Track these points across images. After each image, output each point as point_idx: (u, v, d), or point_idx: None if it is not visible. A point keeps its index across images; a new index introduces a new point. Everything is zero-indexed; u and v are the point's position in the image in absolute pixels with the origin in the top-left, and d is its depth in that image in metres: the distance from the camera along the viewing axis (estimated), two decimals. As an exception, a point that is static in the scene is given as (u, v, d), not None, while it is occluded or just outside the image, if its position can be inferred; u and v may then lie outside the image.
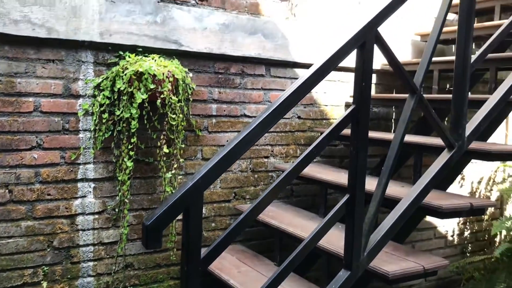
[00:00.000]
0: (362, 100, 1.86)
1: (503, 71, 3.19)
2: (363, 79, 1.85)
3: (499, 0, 3.47)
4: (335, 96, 3.41)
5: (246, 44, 2.98)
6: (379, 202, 1.96)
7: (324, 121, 3.38)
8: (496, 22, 3.24)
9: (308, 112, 3.30)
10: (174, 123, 2.57)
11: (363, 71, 1.85)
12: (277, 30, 3.09)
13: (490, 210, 4.39)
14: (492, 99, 2.31)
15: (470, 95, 2.47)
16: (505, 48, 3.64)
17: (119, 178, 2.55)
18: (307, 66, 3.23)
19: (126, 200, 2.56)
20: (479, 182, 4.20)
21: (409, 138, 2.62)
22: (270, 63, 3.12)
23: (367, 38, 1.84)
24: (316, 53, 3.22)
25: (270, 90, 3.15)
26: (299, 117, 3.26)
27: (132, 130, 2.49)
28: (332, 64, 1.82)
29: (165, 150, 2.59)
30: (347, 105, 3.44)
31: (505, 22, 2.50)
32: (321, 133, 3.22)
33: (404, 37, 3.66)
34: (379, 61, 3.49)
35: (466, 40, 2.15)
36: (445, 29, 2.38)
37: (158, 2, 2.69)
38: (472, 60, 2.24)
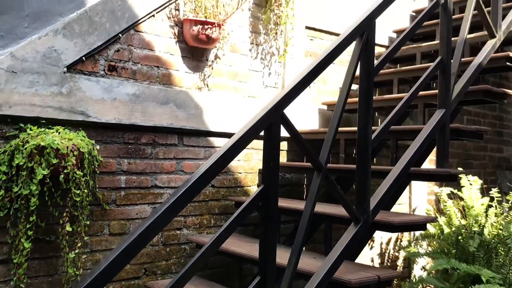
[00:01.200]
0: (270, 181, 1.88)
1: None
2: (271, 160, 1.87)
3: (396, 74, 3.76)
4: (249, 164, 3.43)
5: (158, 114, 2.95)
6: (290, 282, 1.95)
7: (238, 188, 3.38)
8: (394, 95, 3.49)
9: (222, 181, 3.29)
10: (78, 199, 2.43)
11: (270, 153, 1.88)
12: (190, 100, 3.10)
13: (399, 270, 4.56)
14: (394, 172, 2.43)
15: (373, 166, 2.60)
16: (405, 117, 3.93)
17: (15, 261, 2.34)
18: (221, 134, 3.26)
19: (22, 285, 2.34)
20: (388, 243, 4.36)
21: (319, 208, 2.68)
22: (183, 132, 3.10)
23: (273, 120, 1.89)
24: (229, 122, 3.25)
25: (183, 159, 3.11)
26: (212, 186, 3.24)
27: (32, 208, 2.32)
28: (243, 143, 1.83)
29: (68, 228, 2.42)
30: (261, 172, 3.48)
31: (404, 96, 2.70)
32: (235, 203, 3.27)
33: (313, 107, 3.82)
34: (290, 129, 3.60)
35: (367, 119, 2.27)
36: (350, 99, 2.51)
37: (65, 73, 2.60)
38: (373, 137, 2.36)
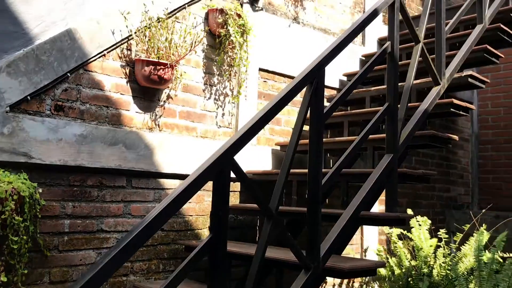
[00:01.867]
0: (219, 230, 1.83)
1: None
2: (219, 209, 1.83)
3: (347, 116, 3.84)
4: (200, 206, 3.37)
5: (106, 155, 2.86)
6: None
7: (189, 232, 3.29)
8: (345, 138, 3.55)
9: (172, 224, 3.20)
10: (16, 246, 2.29)
11: (219, 201, 1.84)
12: (140, 141, 3.03)
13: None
14: (344, 218, 2.43)
15: (324, 209, 2.60)
16: (356, 159, 3.99)
17: None
18: (172, 176, 3.19)
19: None
20: (340, 285, 4.34)
21: (271, 253, 2.63)
22: (132, 174, 3.01)
23: (223, 167, 1.86)
24: (181, 163, 3.20)
25: (131, 202, 3.02)
26: (162, 229, 3.14)
27: (-37, 257, 2.16)
28: (190, 192, 1.78)
29: (3, 278, 2.27)
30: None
31: (355, 139, 2.74)
32: (186, 247, 3.18)
33: (266, 148, 3.83)
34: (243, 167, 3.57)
35: (317, 164, 2.28)
36: (302, 141, 2.52)
37: (7, 112, 2.49)
38: (324, 181, 2.37)
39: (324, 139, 2.87)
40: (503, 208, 5.65)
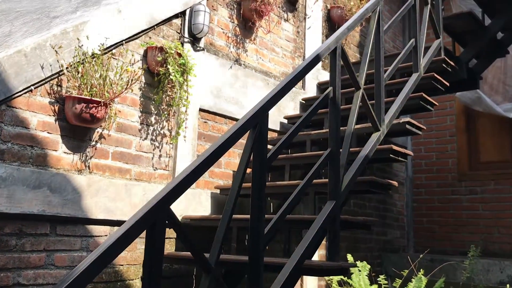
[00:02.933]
0: (151, 281, 1.64)
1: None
2: (152, 264, 1.65)
3: (289, 159, 3.78)
4: (132, 255, 3.13)
5: (27, 199, 2.59)
6: None
7: (119, 283, 3.03)
8: (286, 182, 3.47)
9: (101, 275, 2.93)
10: None
11: (152, 255, 1.66)
12: (67, 183, 2.79)
13: None
14: (287, 267, 2.31)
15: (266, 258, 2.47)
16: (298, 203, 3.91)
17: None
18: (102, 222, 2.95)
19: None
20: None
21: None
22: (57, 220, 2.75)
23: (157, 218, 1.69)
24: (113, 208, 2.97)
25: (55, 251, 2.74)
26: (89, 281, 2.87)
27: None
28: (124, 242, 1.59)
29: None
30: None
31: (298, 184, 2.66)
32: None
33: (205, 192, 3.67)
34: (180, 212, 3.39)
35: (259, 211, 2.16)
36: (245, 184, 2.39)
37: None
38: (266, 230, 2.25)
39: (266, 183, 2.77)
40: (437, 251, 5.76)
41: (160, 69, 3.26)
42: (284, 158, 3.75)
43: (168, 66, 3.24)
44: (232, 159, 3.97)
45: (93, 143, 3.02)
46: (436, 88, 4.03)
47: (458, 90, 5.22)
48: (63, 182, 2.77)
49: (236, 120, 4.01)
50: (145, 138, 3.34)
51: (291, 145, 4.30)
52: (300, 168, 3.86)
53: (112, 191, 3.02)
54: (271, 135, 4.33)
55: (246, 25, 4.30)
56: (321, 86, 4.93)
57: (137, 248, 3.17)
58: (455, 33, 4.62)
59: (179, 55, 3.34)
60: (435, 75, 3.95)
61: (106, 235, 3.00)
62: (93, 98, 2.80)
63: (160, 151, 3.43)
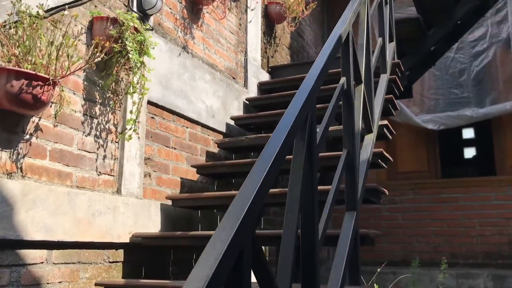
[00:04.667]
0: None
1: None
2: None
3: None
4: (74, 286, 2.35)
5: None
6: None
7: (57, 326, 2.24)
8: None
9: (35, 317, 2.13)
10: None
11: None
12: (-6, 192, 1.96)
13: None
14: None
15: None
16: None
17: None
18: (39, 245, 2.15)
19: None
20: None
21: None
22: (-23, 245, 1.91)
23: (244, 244, 1.10)
24: (51, 225, 2.19)
25: (-25, 290, 1.89)
26: (20, 328, 2.05)
27: None
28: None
29: None
30: (91, 298, 2.42)
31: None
32: None
33: (153, 203, 3.00)
34: (128, 229, 2.69)
35: (313, 233, 1.64)
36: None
37: None
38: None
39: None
40: (371, 263, 5.64)
41: (115, 46, 2.54)
42: (249, 163, 3.22)
43: (126, 42, 2.54)
44: (180, 164, 3.34)
45: (27, 136, 2.21)
46: (393, 93, 3.86)
47: (396, 98, 5.18)
48: (-12, 189, 1.94)
49: (184, 117, 3.39)
50: (89, 134, 2.58)
51: (237, 149, 3.80)
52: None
53: (52, 202, 2.23)
54: (217, 137, 3.77)
55: (194, 8, 3.71)
56: (262, 87, 4.50)
57: (80, 278, 2.40)
58: (400, 39, 4.55)
59: (136, 30, 2.66)
60: (396, 78, 3.77)
61: (42, 262, 2.19)
62: (38, 74, 2.02)
63: (104, 150, 2.69)
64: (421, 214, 5.73)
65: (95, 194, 2.51)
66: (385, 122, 3.20)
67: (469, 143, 7.87)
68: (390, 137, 3.35)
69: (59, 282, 2.28)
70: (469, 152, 8.06)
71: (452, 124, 5.68)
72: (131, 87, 2.63)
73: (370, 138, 2.78)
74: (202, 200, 3.02)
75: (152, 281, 2.49)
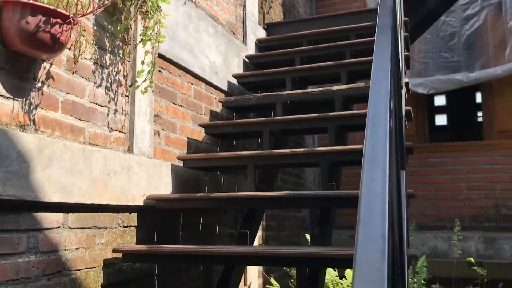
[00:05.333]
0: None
1: None
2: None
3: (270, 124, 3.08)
4: (91, 253, 2.13)
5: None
6: None
7: None
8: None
9: (55, 286, 1.90)
10: None
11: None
12: (9, 146, 1.69)
13: None
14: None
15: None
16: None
17: None
18: (56, 207, 1.91)
19: None
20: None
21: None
22: (-9, 207, 1.65)
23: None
24: (68, 186, 1.95)
25: (-9, 259, 1.65)
26: (39, 300, 1.82)
27: None
28: None
29: None
30: (107, 266, 2.20)
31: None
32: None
33: (164, 164, 2.77)
34: (142, 191, 2.47)
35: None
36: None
37: None
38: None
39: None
40: (349, 226, 5.62)
41: (130, -15, 2.25)
42: (263, 122, 3.02)
43: (143, -18, 2.26)
44: (187, 122, 3.10)
45: (39, 84, 1.92)
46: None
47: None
48: (3, 143, 1.67)
49: (190, 72, 3.14)
50: (100, 85, 2.31)
51: (244, 108, 3.60)
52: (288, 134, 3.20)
53: (68, 160, 1.97)
54: (219, 95, 3.54)
55: (196, -47, 3.40)
56: (260, 44, 4.27)
57: (96, 244, 2.17)
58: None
59: (151, -31, 2.37)
60: (408, 36, 3.63)
61: (59, 227, 1.95)
62: (58, 9, 1.73)
63: (115, 105, 2.43)
64: (410, 178, 5.72)
65: (109, 152, 2.26)
66: (406, 79, 3.06)
67: (449, 108, 7.95)
68: (407, 95, 3.23)
69: (76, 249, 2.04)
70: (454, 118, 8.15)
71: (442, 88, 5.64)
72: (145, 35, 2.35)
73: (402, 94, 2.63)
74: (215, 160, 2.82)
75: (174, 246, 2.30)
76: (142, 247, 2.26)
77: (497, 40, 5.56)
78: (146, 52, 2.43)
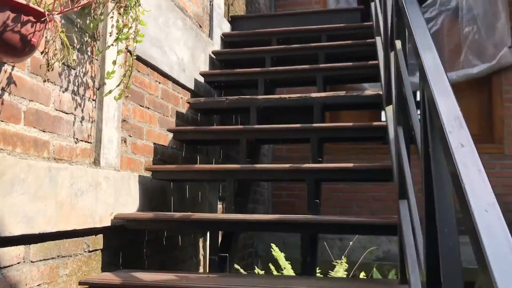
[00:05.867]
0: None
1: None
2: None
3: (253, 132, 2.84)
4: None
5: None
6: None
7: None
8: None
9: (13, 336, 1.59)
10: None
11: None
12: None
13: None
14: None
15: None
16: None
17: None
18: (16, 240, 1.60)
19: None
20: None
21: None
22: None
23: None
24: (31, 214, 1.64)
25: None
26: None
27: None
28: None
29: None
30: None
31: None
32: None
33: (131, 176, 2.47)
34: (110, 209, 2.18)
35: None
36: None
37: None
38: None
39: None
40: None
41: (106, -25, 1.92)
42: (241, 131, 2.78)
43: (122, -28, 1.93)
44: (153, 126, 2.81)
45: (-1, 92, 1.58)
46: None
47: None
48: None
49: (158, 71, 2.84)
50: (66, 89, 1.97)
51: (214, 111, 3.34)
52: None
53: (33, 183, 1.65)
54: (185, 95, 3.26)
55: None
56: (226, 39, 4.00)
57: (59, 276, 1.86)
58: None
59: (128, -43, 2.04)
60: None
61: (19, 262, 1.63)
62: (30, 5, 1.40)
63: (82, 111, 2.10)
64: (361, 180, 5.72)
65: (77, 169, 1.94)
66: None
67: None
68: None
69: (37, 286, 1.73)
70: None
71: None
72: (121, 33, 2.03)
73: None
74: (191, 173, 2.56)
75: (151, 276, 2.03)
76: (111, 279, 1.97)
77: (453, 46, 5.63)
78: (119, 51, 2.12)
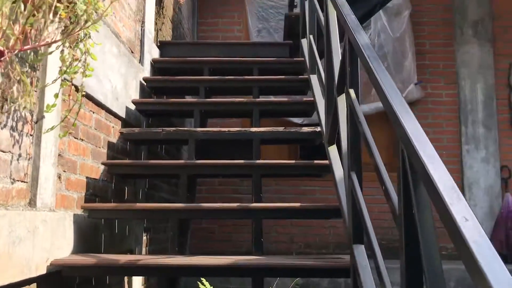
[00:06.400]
0: None
1: None
2: None
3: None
4: None
5: None
6: None
7: None
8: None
9: None
10: None
11: None
12: None
13: None
14: None
15: None
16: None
17: None
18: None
19: None
20: None
21: None
22: None
23: None
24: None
25: None
26: None
27: None
28: None
29: None
30: None
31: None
32: None
33: (65, 215, 2.28)
34: (46, 255, 2.00)
35: None
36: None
37: None
38: None
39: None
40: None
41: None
42: (182, 166, 2.70)
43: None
44: (87, 159, 2.63)
45: None
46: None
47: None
48: None
49: (92, 100, 2.69)
50: (5, 125, 1.78)
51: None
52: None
53: (-28, 236, 1.46)
54: (116, 124, 3.11)
55: (105, -39, 2.92)
56: (155, 65, 3.90)
57: (-8, 337, 1.65)
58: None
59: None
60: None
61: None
62: (-10, 42, 1.25)
63: (20, 148, 1.91)
64: (281, 206, 5.81)
65: (15, 215, 1.75)
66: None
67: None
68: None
69: None
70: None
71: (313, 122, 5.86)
72: (69, 66, 1.88)
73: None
74: (132, 212, 2.43)
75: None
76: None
77: (366, 78, 5.97)
78: (62, 84, 1.96)
